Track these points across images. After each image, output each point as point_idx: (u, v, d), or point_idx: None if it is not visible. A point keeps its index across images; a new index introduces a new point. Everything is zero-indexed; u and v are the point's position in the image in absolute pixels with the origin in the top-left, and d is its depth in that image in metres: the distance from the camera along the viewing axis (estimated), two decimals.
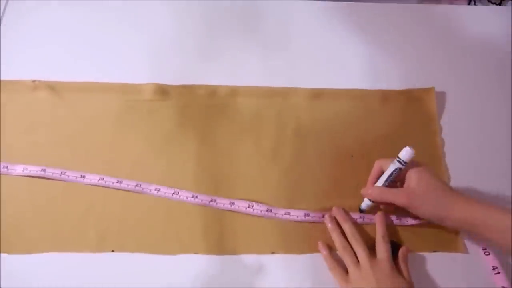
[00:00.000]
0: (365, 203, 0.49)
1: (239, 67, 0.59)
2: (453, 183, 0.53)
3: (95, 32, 0.61)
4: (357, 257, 0.46)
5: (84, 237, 0.48)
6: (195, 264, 0.47)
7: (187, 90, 0.57)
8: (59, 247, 0.47)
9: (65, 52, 0.59)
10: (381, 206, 0.50)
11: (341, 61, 0.60)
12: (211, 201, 0.50)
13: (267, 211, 0.49)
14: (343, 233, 0.48)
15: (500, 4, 0.99)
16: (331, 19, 0.64)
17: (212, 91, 0.57)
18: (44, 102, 0.55)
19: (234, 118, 0.55)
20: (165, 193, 0.50)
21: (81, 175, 0.50)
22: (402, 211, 0.48)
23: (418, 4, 0.67)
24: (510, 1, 0.84)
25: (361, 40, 0.62)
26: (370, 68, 0.60)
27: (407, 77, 0.59)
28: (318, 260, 0.48)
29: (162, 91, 0.56)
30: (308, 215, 0.49)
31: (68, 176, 0.50)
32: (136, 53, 0.59)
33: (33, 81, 0.56)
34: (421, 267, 0.48)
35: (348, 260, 0.46)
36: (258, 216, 0.50)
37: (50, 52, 0.59)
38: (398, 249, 0.47)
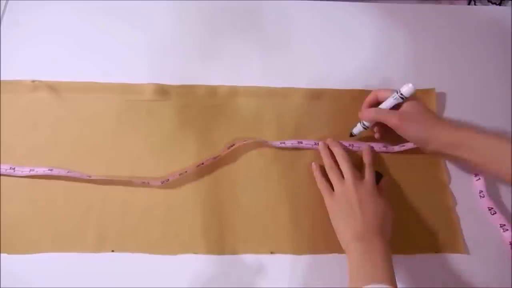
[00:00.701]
0: (357, 128, 0.53)
1: (239, 67, 0.59)
2: (453, 183, 0.53)
3: (95, 32, 0.61)
4: (343, 176, 0.49)
5: (84, 237, 0.48)
6: (195, 264, 0.47)
7: (187, 90, 0.57)
8: (59, 247, 0.48)
9: (65, 52, 0.59)
10: (376, 134, 0.54)
11: (341, 61, 0.60)
12: None
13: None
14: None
15: (500, 4, 0.99)
16: (331, 19, 0.64)
17: (212, 91, 0.57)
18: (44, 102, 0.55)
19: (234, 118, 0.55)
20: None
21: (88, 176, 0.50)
22: (390, 140, 0.53)
23: (418, 4, 0.67)
24: (510, 1, 0.84)
25: (361, 40, 0.62)
26: (370, 69, 0.60)
27: (407, 77, 0.59)
28: (317, 261, 0.48)
29: (162, 91, 0.56)
30: (301, 142, 0.53)
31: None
32: (136, 53, 0.59)
33: (33, 81, 0.56)
34: (423, 268, 0.48)
35: (334, 179, 0.49)
36: (257, 217, 0.50)
37: (50, 52, 0.59)
38: (381, 179, 0.51)
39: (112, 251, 0.48)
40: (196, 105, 0.56)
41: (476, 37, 0.63)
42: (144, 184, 0.50)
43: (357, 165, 0.51)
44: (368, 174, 0.49)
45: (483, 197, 0.51)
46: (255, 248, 0.49)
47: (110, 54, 0.59)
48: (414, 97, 0.49)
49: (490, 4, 1.07)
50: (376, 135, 0.54)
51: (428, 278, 0.48)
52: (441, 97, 0.58)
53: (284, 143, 0.53)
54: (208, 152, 0.53)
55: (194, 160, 0.52)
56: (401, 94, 0.48)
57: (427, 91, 0.58)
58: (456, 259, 0.49)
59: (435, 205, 0.52)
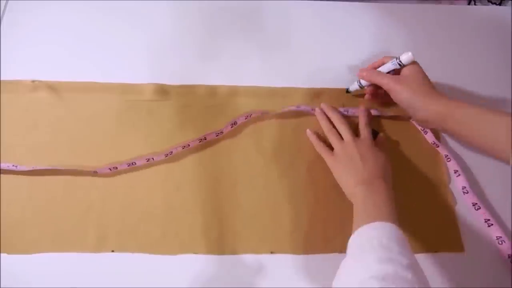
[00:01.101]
0: (353, 86, 0.56)
1: (239, 67, 0.59)
2: (453, 183, 0.53)
3: (95, 31, 0.61)
4: (341, 137, 0.51)
5: (84, 237, 0.48)
6: (195, 264, 0.47)
7: (187, 90, 0.57)
8: (59, 247, 0.48)
9: (65, 52, 0.59)
10: (366, 95, 0.56)
11: (341, 61, 0.60)
12: None
13: None
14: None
15: (500, 4, 0.99)
16: (331, 19, 0.64)
17: (212, 91, 0.57)
18: (44, 102, 0.55)
19: (234, 118, 0.55)
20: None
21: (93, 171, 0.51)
22: (382, 104, 0.56)
23: (418, 4, 0.67)
24: (510, 1, 0.84)
25: (361, 40, 0.62)
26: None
27: None
28: (317, 261, 0.48)
29: (162, 91, 0.56)
30: (299, 107, 0.55)
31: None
32: (136, 53, 0.59)
33: (33, 81, 0.56)
34: (422, 267, 0.48)
35: (333, 139, 0.51)
36: (257, 217, 0.50)
37: (50, 52, 0.59)
38: (377, 136, 0.53)
39: (112, 251, 0.48)
40: (196, 105, 0.56)
41: (476, 37, 0.63)
42: (149, 161, 0.51)
43: (354, 129, 0.52)
44: (365, 132, 0.51)
45: (467, 193, 0.52)
46: (255, 248, 0.49)
47: (110, 54, 0.59)
48: (415, 64, 0.50)
49: (490, 4, 1.07)
50: (367, 96, 0.56)
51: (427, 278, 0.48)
52: None
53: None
54: (209, 152, 0.53)
55: (194, 160, 0.52)
56: (400, 61, 0.50)
57: None
58: (455, 259, 0.49)
59: (435, 205, 0.52)
